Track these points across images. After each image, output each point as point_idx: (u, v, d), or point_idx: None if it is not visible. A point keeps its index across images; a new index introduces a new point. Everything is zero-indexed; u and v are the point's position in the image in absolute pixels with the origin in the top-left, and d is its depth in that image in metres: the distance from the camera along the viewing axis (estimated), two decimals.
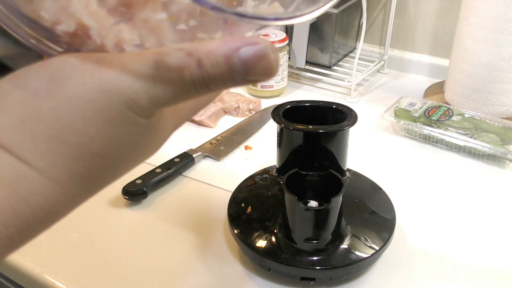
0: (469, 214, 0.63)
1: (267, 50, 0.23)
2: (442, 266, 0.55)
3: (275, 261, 0.50)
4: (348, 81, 0.92)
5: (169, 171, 0.67)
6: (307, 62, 0.94)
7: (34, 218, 0.23)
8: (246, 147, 0.76)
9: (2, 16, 0.25)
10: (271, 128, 0.81)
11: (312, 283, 0.52)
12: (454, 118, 0.76)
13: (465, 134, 0.73)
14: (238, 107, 0.84)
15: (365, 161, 0.72)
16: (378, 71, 1.01)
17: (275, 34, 0.87)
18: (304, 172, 0.55)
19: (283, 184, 0.51)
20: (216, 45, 0.23)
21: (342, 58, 1.01)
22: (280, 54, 0.87)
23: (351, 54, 1.03)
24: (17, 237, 0.23)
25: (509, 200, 0.65)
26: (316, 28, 0.92)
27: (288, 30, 0.97)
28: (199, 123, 0.81)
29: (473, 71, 0.79)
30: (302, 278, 0.51)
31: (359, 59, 0.92)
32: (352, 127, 0.54)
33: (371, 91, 0.94)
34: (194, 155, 0.71)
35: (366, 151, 0.75)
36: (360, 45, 0.89)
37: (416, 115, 0.78)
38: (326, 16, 0.90)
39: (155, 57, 0.23)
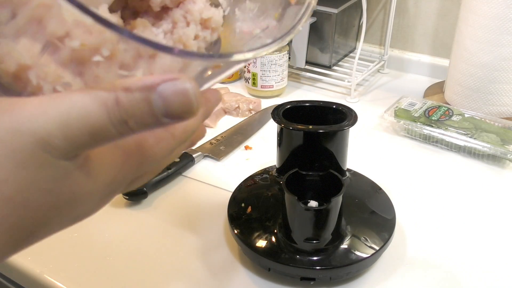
0: (469, 214, 0.63)
1: (185, 85, 0.22)
2: (442, 266, 0.55)
3: (275, 261, 0.50)
4: (348, 81, 0.92)
5: (169, 171, 0.67)
6: (307, 62, 0.94)
7: None
8: (246, 147, 0.76)
9: None
10: (271, 128, 0.81)
11: (312, 283, 0.52)
12: (454, 118, 0.76)
13: (465, 134, 0.73)
14: (238, 107, 0.84)
15: (365, 161, 0.72)
16: (378, 71, 1.01)
17: None
18: (304, 172, 0.55)
19: (283, 184, 0.51)
20: (134, 81, 0.22)
21: (342, 58, 1.01)
22: (280, 54, 0.87)
23: (351, 54, 1.03)
24: None
25: (509, 200, 0.65)
26: (316, 28, 0.92)
27: None
28: None
29: (473, 71, 0.79)
30: (302, 278, 0.51)
31: (359, 59, 0.92)
32: (352, 127, 0.54)
33: (371, 91, 0.94)
34: (194, 155, 0.71)
35: (366, 151, 0.75)
36: (360, 45, 0.89)
37: (416, 115, 0.78)
38: (326, 16, 0.90)
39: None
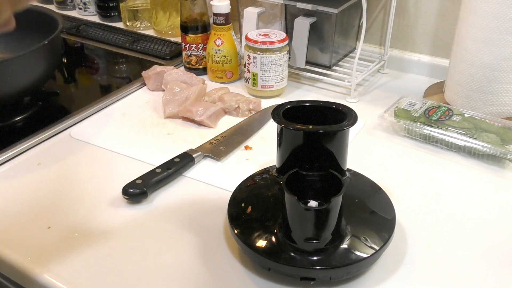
0: (469, 214, 0.63)
1: None
2: (442, 266, 0.55)
3: (275, 261, 0.50)
4: (348, 81, 0.92)
5: (169, 171, 0.67)
6: (307, 62, 0.94)
7: None
8: (246, 147, 0.76)
9: None
10: (271, 128, 0.81)
11: (312, 283, 0.52)
12: (454, 118, 0.76)
13: (465, 134, 0.73)
14: (238, 107, 0.84)
15: (365, 161, 0.72)
16: (378, 71, 1.01)
17: (275, 34, 0.87)
18: (304, 172, 0.55)
19: (283, 184, 0.51)
20: None
21: (342, 58, 1.01)
22: (280, 54, 0.87)
23: (351, 54, 1.03)
24: None
25: (509, 200, 0.65)
26: (316, 28, 0.92)
27: (288, 30, 0.97)
28: (199, 123, 0.81)
29: (473, 71, 0.79)
30: (302, 278, 0.51)
31: (359, 59, 0.92)
32: (352, 127, 0.54)
33: (371, 91, 0.94)
34: (194, 155, 0.71)
35: (366, 151, 0.75)
36: (360, 45, 0.89)
37: (416, 115, 0.78)
38: (326, 16, 0.90)
39: None
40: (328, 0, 0.89)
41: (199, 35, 0.96)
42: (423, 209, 0.63)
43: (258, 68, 0.87)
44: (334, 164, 0.57)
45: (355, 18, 1.00)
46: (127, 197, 0.63)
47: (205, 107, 0.82)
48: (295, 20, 0.90)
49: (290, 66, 0.93)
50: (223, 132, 0.79)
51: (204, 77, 0.97)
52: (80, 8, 1.29)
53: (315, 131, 0.55)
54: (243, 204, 0.58)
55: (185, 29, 0.96)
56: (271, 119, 0.58)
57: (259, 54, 0.86)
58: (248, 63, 0.88)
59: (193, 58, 0.98)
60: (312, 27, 0.90)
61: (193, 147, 0.73)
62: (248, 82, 0.90)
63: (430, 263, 0.55)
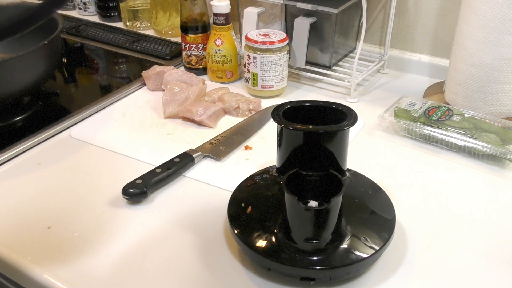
0: (469, 214, 0.63)
1: None
2: (442, 266, 0.55)
3: (275, 261, 0.50)
4: (348, 81, 0.92)
5: (169, 171, 0.67)
6: (307, 62, 0.94)
7: None
8: (246, 147, 0.76)
9: None
10: (271, 128, 0.81)
11: (312, 283, 0.52)
12: (454, 118, 0.76)
13: (465, 134, 0.73)
14: (238, 107, 0.84)
15: (365, 161, 0.72)
16: (378, 71, 1.01)
17: (275, 34, 0.87)
18: (304, 172, 0.55)
19: (283, 184, 0.51)
20: None
21: (342, 58, 1.01)
22: (280, 54, 0.87)
23: (351, 54, 1.03)
24: None
25: (509, 200, 0.65)
26: (316, 28, 0.92)
27: (288, 30, 0.97)
28: (199, 123, 0.81)
29: (473, 71, 0.79)
30: (302, 278, 0.51)
31: (359, 59, 0.92)
32: (352, 127, 0.54)
33: (371, 91, 0.94)
34: (194, 155, 0.71)
35: (366, 151, 0.75)
36: (360, 45, 0.89)
37: (416, 115, 0.78)
38: (326, 16, 0.90)
39: None
40: (328, 0, 0.88)
41: (199, 35, 0.96)
42: (423, 209, 0.63)
43: (258, 68, 0.87)
44: (334, 164, 0.56)
45: (355, 18, 1.00)
46: (127, 197, 0.63)
47: (205, 107, 0.82)
48: (295, 20, 0.90)
49: (290, 66, 0.93)
50: (223, 132, 0.79)
51: (204, 77, 0.97)
52: (80, 8, 1.29)
53: (315, 131, 0.54)
54: (243, 204, 0.58)
55: (185, 29, 0.96)
56: (271, 119, 0.58)
57: (259, 54, 0.86)
58: (248, 63, 0.88)
59: (193, 58, 0.98)
60: (312, 27, 0.90)
61: (193, 147, 0.73)
62: (248, 82, 0.90)
63: (430, 263, 0.55)
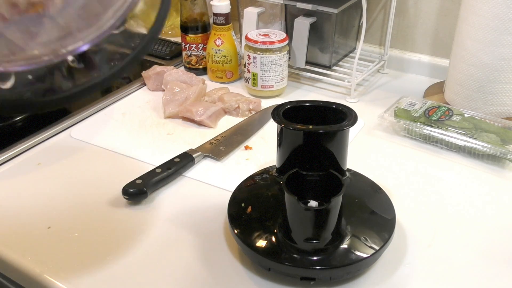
0: (469, 214, 0.63)
1: None
2: (442, 266, 0.55)
3: (275, 261, 0.50)
4: (348, 81, 0.92)
5: (169, 171, 0.67)
6: (307, 62, 0.94)
7: None
8: (246, 147, 0.76)
9: None
10: (271, 128, 0.81)
11: (312, 283, 0.52)
12: (454, 118, 0.76)
13: (465, 134, 0.73)
14: (238, 107, 0.84)
15: (365, 161, 0.72)
16: (378, 71, 1.01)
17: (275, 34, 0.87)
18: (304, 172, 0.55)
19: (283, 184, 0.51)
20: None
21: (342, 58, 1.01)
22: (280, 54, 0.87)
23: (351, 54, 1.03)
24: None
25: (509, 200, 0.65)
26: (316, 28, 0.92)
27: (288, 30, 0.97)
28: (199, 123, 0.81)
29: (473, 71, 0.79)
30: (302, 278, 0.51)
31: (359, 59, 0.92)
32: (352, 127, 0.54)
33: (371, 91, 0.94)
34: (194, 155, 0.71)
35: (366, 151, 0.75)
36: (360, 45, 0.89)
37: (416, 115, 0.78)
38: (326, 16, 0.90)
39: None
40: (328, 0, 0.89)
41: (199, 35, 0.96)
42: (423, 209, 0.63)
43: (258, 68, 0.87)
44: (334, 164, 0.56)
45: (355, 18, 1.00)
46: (127, 197, 0.63)
47: (205, 107, 0.82)
48: (295, 20, 0.90)
49: (290, 66, 0.93)
50: (223, 132, 0.79)
51: (204, 77, 0.97)
52: None
53: (315, 131, 0.54)
54: (243, 204, 0.57)
55: (185, 29, 0.96)
56: (271, 119, 0.58)
57: (259, 54, 0.86)
58: (248, 63, 0.88)
59: (193, 58, 0.98)
60: (312, 27, 0.90)
61: (193, 147, 0.73)
62: (248, 82, 0.90)
63: (430, 263, 0.55)
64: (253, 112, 0.85)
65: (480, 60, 0.78)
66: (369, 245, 0.52)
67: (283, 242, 0.52)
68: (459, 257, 0.56)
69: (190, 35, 0.95)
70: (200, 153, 0.72)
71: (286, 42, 0.87)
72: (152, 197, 0.65)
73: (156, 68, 0.93)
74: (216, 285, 0.52)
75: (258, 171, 0.65)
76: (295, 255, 0.50)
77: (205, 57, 0.97)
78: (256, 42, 0.86)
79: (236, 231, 0.54)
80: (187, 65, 0.99)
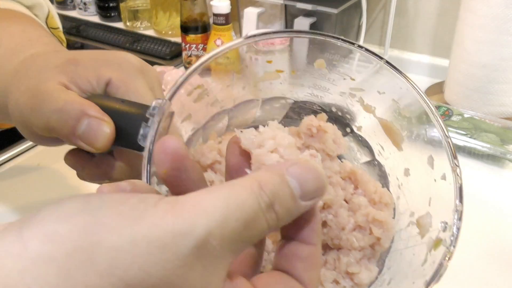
0: (468, 214, 0.62)
1: (313, 164, 0.25)
2: None
3: None
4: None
5: None
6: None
7: None
8: None
9: None
10: None
11: None
12: (453, 118, 0.76)
13: (464, 134, 0.73)
14: None
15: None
16: (378, 71, 1.01)
17: None
18: None
19: None
20: (267, 168, 0.25)
21: (342, 58, 1.01)
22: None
23: (351, 54, 1.03)
24: None
25: (508, 200, 0.65)
26: (316, 28, 0.92)
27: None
28: None
29: (473, 71, 0.79)
30: None
31: (359, 59, 0.92)
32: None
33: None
34: None
35: None
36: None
37: None
38: (326, 16, 0.90)
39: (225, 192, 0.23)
40: (328, 0, 0.89)
41: (199, 35, 0.96)
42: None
43: None
44: None
45: (355, 18, 1.00)
46: None
47: None
48: (295, 20, 0.90)
49: None
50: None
51: None
52: (80, 8, 1.29)
53: None
54: None
55: (185, 29, 0.96)
56: None
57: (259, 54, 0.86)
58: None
59: (193, 58, 0.98)
60: (312, 27, 0.90)
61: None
62: None
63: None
64: None
65: (480, 60, 0.78)
66: None
67: None
68: (459, 257, 0.56)
69: (190, 35, 0.95)
70: None
71: (286, 42, 0.87)
72: None
73: (156, 68, 0.93)
74: None
75: None
76: None
77: None
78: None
79: None
80: (187, 65, 0.99)
